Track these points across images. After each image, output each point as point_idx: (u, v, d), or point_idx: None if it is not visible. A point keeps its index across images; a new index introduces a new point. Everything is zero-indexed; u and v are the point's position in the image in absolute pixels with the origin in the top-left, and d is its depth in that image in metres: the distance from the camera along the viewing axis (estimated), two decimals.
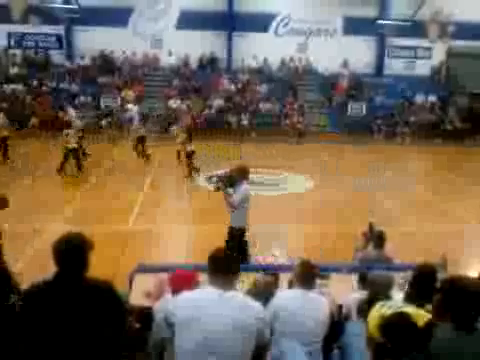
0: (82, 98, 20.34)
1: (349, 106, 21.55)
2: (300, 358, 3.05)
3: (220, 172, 6.66)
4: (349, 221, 9.21)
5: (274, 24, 22.57)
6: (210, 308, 2.59)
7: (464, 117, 21.37)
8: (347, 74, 22.46)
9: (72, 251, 2.54)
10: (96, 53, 21.64)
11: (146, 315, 3.43)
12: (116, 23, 21.21)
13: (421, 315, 2.50)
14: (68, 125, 13.52)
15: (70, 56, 21.94)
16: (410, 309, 2.53)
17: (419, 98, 22.28)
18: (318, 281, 3.81)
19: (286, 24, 22.62)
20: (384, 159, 16.41)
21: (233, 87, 21.48)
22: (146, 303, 3.74)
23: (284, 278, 4.18)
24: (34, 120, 18.64)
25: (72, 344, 2.48)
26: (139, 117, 17.95)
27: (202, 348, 2.55)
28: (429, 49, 23.20)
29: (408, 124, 21.16)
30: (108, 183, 12.15)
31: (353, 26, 22.19)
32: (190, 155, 12.67)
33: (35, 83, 20.43)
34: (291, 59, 22.61)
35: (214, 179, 6.32)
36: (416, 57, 23.36)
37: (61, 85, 20.66)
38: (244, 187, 6.07)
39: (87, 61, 21.67)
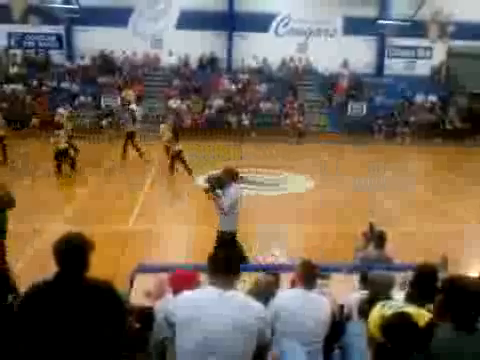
0: (82, 98, 20.34)
1: (349, 106, 21.53)
2: (300, 358, 3.05)
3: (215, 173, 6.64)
4: (349, 221, 9.21)
5: (274, 24, 22.56)
6: (210, 308, 2.59)
7: (464, 117, 21.37)
8: (347, 74, 22.45)
9: (72, 251, 2.54)
10: (96, 53, 21.62)
11: (146, 315, 3.44)
12: (116, 23, 21.19)
13: (422, 315, 2.50)
14: (58, 126, 13.53)
15: (70, 56, 21.93)
16: (411, 309, 2.53)
17: (419, 98, 22.26)
18: (319, 281, 3.81)
19: (286, 24, 22.61)
20: (384, 159, 16.40)
21: (233, 87, 21.47)
22: (146, 303, 3.74)
23: (285, 278, 4.18)
24: (35, 120, 18.64)
25: (72, 344, 2.48)
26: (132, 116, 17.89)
27: (202, 348, 2.55)
28: (429, 49, 23.18)
29: (408, 124, 21.15)
30: (108, 183, 12.15)
31: (353, 26, 22.17)
32: (177, 155, 12.57)
33: (35, 83, 20.42)
34: (291, 59, 22.60)
35: (205, 180, 6.34)
36: (416, 57, 23.35)
37: (61, 85, 20.67)
38: (233, 190, 6.03)
39: (87, 61, 21.66)
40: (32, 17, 21.02)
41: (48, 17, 20.85)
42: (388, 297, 3.27)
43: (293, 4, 22.36)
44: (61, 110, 18.17)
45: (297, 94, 21.59)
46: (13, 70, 20.81)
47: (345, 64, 22.55)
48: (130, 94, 20.45)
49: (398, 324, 2.36)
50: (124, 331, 2.77)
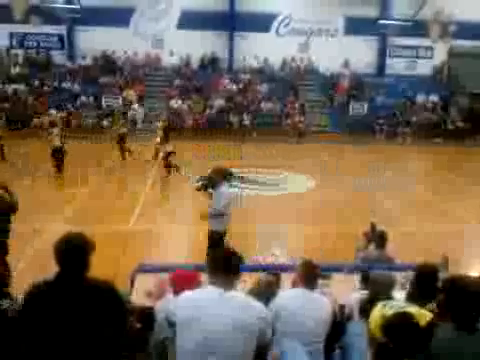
0: (83, 98, 20.36)
1: (350, 106, 21.54)
2: (300, 358, 3.04)
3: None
4: (349, 221, 9.21)
5: (275, 24, 22.57)
6: (210, 308, 2.59)
7: (465, 117, 21.36)
8: (348, 74, 22.46)
9: (73, 251, 2.54)
10: (97, 53, 21.66)
11: (147, 315, 3.43)
12: (117, 23, 21.22)
13: (423, 315, 2.49)
14: (53, 124, 13.55)
15: (71, 56, 21.97)
16: (412, 309, 2.52)
17: (420, 98, 22.27)
18: (320, 281, 3.81)
19: (287, 24, 22.62)
20: (384, 159, 16.39)
21: (234, 87, 21.48)
22: (147, 303, 3.74)
23: (286, 278, 4.17)
24: (36, 120, 18.66)
25: (73, 344, 2.48)
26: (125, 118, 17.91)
27: (202, 348, 2.55)
28: (430, 49, 23.18)
29: (409, 124, 21.14)
30: (108, 183, 12.16)
31: (354, 26, 22.18)
32: (167, 156, 12.55)
33: (36, 83, 20.45)
34: (292, 59, 22.62)
35: (197, 178, 6.37)
36: (417, 57, 23.36)
37: (62, 85, 20.69)
38: (226, 192, 6.05)
39: (88, 61, 21.70)
40: (33, 17, 21.02)
41: (49, 17, 20.86)
42: (389, 297, 3.26)
43: (294, 4, 22.37)
44: (53, 111, 18.25)
45: (298, 94, 21.60)
46: (15, 70, 20.85)
47: (346, 64, 22.56)
48: (131, 94, 20.48)
49: (399, 324, 2.36)
50: (125, 331, 2.77)
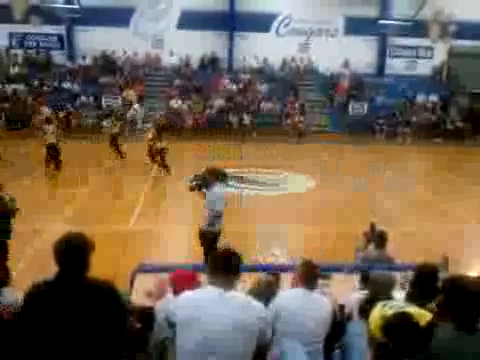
0: (83, 98, 20.35)
1: (350, 106, 21.53)
2: (300, 358, 3.04)
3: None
4: (349, 221, 9.21)
5: (275, 24, 22.55)
6: (210, 308, 2.59)
7: (465, 117, 21.36)
8: (348, 74, 22.44)
9: (73, 251, 2.54)
10: (97, 53, 21.63)
11: (147, 315, 3.44)
12: (117, 23, 21.19)
13: (423, 315, 2.49)
14: (49, 121, 13.52)
15: (71, 56, 21.94)
16: (412, 309, 2.52)
17: (420, 98, 22.25)
18: (320, 281, 3.81)
19: (287, 24, 22.60)
20: (384, 159, 16.39)
21: (234, 87, 21.47)
22: (147, 303, 3.74)
23: (285, 278, 4.17)
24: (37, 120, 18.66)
25: (73, 344, 2.48)
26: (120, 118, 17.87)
27: (202, 348, 2.55)
28: (430, 49, 23.17)
29: (409, 124, 21.14)
30: (108, 183, 12.15)
31: (354, 26, 22.16)
32: (160, 152, 12.51)
33: (36, 83, 20.44)
34: (292, 59, 22.60)
35: (190, 178, 6.38)
36: (417, 57, 23.35)
37: (62, 85, 20.68)
38: (218, 192, 6.04)
39: (88, 61, 21.67)
40: (33, 17, 21.00)
41: (49, 17, 20.83)
42: (389, 297, 3.26)
43: (294, 4, 22.36)
44: (46, 109, 18.19)
45: (298, 94, 21.59)
46: (14, 70, 20.82)
47: (346, 64, 22.55)
48: (131, 94, 20.47)
49: (399, 324, 2.36)
50: (125, 331, 2.77)
